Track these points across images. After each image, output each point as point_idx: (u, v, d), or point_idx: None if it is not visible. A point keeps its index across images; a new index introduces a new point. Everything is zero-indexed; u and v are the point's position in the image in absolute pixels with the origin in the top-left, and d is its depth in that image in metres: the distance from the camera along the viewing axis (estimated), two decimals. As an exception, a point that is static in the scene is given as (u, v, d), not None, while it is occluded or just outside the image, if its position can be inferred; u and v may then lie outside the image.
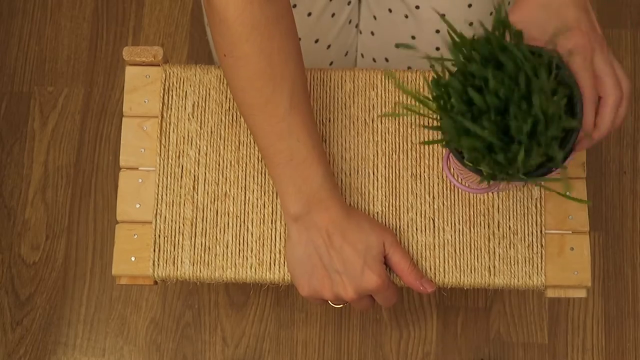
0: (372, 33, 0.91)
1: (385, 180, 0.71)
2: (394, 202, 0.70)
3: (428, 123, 0.70)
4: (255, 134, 0.65)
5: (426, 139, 0.72)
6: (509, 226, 0.69)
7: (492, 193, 0.70)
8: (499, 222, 0.69)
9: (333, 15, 0.89)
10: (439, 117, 0.58)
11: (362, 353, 1.22)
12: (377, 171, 0.71)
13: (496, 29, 0.54)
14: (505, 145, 0.53)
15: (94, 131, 1.32)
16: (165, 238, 0.70)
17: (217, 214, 0.70)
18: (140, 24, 1.37)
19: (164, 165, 0.71)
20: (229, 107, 0.73)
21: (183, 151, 0.72)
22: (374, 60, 0.93)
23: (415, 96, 0.55)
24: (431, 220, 0.70)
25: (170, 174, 0.71)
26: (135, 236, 0.71)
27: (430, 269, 0.69)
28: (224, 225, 0.70)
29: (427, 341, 1.23)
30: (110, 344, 1.24)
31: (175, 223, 0.70)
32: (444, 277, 0.69)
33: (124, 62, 0.74)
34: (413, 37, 0.87)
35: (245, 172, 0.71)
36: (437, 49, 0.87)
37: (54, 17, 1.38)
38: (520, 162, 0.52)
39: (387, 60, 0.91)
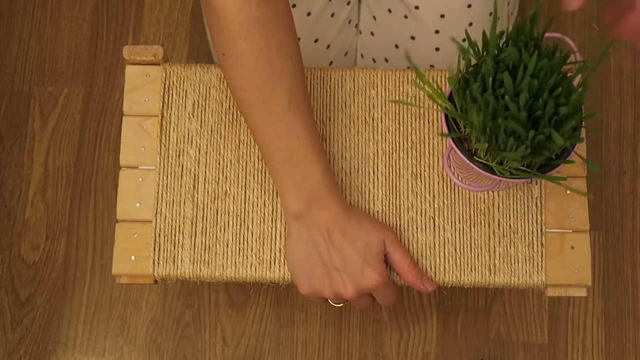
0: (372, 33, 0.91)
1: (386, 179, 0.71)
2: (394, 201, 0.70)
3: (442, 115, 0.70)
4: (255, 132, 0.66)
5: (426, 137, 0.72)
6: (510, 225, 0.69)
7: (493, 192, 0.70)
8: (499, 220, 0.70)
9: (333, 15, 0.89)
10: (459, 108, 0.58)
11: (362, 353, 1.22)
12: (378, 170, 0.71)
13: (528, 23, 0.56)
14: (531, 129, 0.54)
15: (94, 131, 1.32)
16: (166, 237, 0.70)
17: (217, 213, 0.70)
18: (140, 24, 1.37)
19: (164, 164, 0.71)
20: (229, 106, 0.73)
21: (183, 150, 0.72)
22: (373, 60, 0.93)
23: (430, 85, 0.55)
24: (431, 219, 0.70)
25: (171, 172, 0.71)
26: (136, 235, 0.71)
27: (431, 267, 0.69)
28: (224, 224, 0.70)
29: (427, 341, 1.23)
30: (110, 344, 1.24)
31: (176, 222, 0.70)
32: (444, 275, 0.69)
33: (124, 62, 0.74)
34: (412, 38, 0.87)
35: (246, 170, 0.71)
36: (437, 49, 0.87)
37: (54, 17, 1.38)
38: (557, 139, 0.52)
39: (386, 60, 0.91)
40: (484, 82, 0.55)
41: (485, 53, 0.57)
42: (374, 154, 0.71)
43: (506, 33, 0.57)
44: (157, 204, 0.71)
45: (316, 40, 0.89)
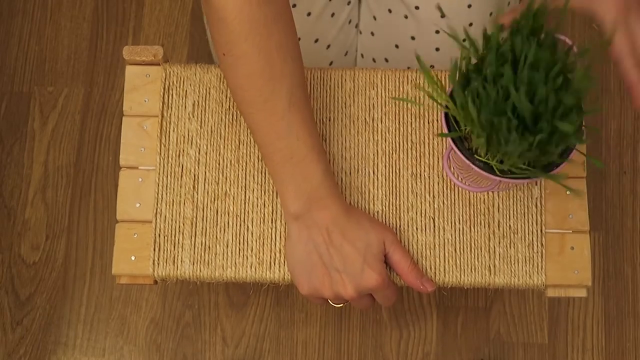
0: (372, 33, 0.91)
1: (386, 180, 0.71)
2: (394, 201, 0.70)
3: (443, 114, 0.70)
4: (255, 132, 0.66)
5: (426, 138, 0.72)
6: (509, 225, 0.69)
7: (492, 192, 0.70)
8: (499, 221, 0.69)
9: (333, 15, 0.89)
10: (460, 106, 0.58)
11: (362, 353, 1.22)
12: (378, 170, 0.71)
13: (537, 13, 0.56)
14: (533, 126, 0.54)
15: (94, 131, 1.32)
16: (165, 237, 0.70)
17: (217, 213, 0.70)
18: (140, 24, 1.38)
19: (164, 165, 0.71)
20: (229, 106, 0.73)
21: (183, 150, 0.72)
22: (373, 60, 0.93)
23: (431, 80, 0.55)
24: (431, 220, 0.70)
25: (170, 173, 0.71)
26: (136, 235, 0.71)
27: (431, 268, 0.69)
28: (224, 224, 0.70)
29: (427, 341, 1.23)
30: (110, 344, 1.24)
31: (175, 222, 0.70)
32: (444, 276, 0.69)
33: (124, 62, 0.74)
34: (413, 38, 0.87)
35: (246, 171, 0.71)
36: (437, 49, 0.87)
37: (54, 17, 1.38)
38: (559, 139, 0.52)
39: (387, 60, 0.91)
40: (485, 75, 0.55)
41: (487, 46, 0.57)
42: (373, 154, 0.71)
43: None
44: (157, 204, 0.71)
45: (316, 40, 0.89)
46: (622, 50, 0.62)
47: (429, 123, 0.72)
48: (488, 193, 0.70)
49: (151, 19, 1.37)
